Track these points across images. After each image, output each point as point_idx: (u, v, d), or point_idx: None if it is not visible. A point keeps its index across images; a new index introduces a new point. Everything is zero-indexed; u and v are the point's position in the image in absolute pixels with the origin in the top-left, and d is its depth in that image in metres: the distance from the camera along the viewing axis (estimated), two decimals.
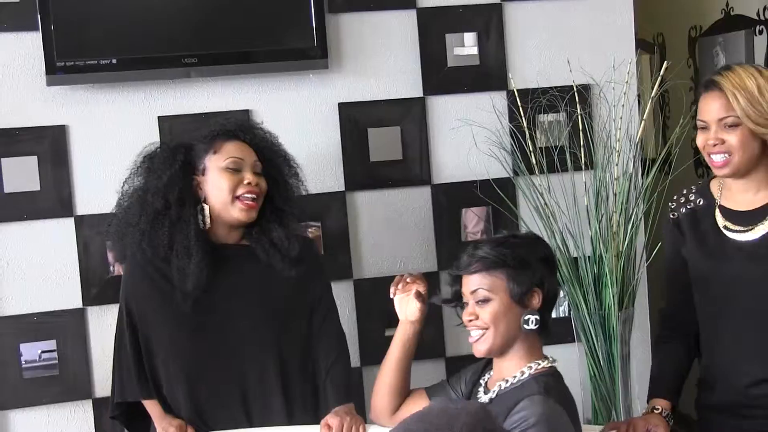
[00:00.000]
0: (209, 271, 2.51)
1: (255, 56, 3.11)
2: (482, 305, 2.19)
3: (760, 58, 4.11)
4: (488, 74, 3.31)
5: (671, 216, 2.54)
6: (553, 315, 3.30)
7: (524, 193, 3.24)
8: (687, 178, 4.19)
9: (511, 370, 2.21)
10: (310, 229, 2.87)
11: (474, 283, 2.20)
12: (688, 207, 2.51)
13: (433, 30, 3.27)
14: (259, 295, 2.59)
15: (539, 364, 2.21)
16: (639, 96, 3.38)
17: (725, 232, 2.40)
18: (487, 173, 3.27)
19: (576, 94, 3.23)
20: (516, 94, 3.23)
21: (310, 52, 3.13)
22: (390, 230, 3.28)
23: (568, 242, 3.19)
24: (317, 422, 2.53)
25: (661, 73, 3.17)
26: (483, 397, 2.23)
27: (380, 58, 3.26)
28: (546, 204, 3.20)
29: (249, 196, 2.52)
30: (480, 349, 2.21)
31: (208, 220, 2.55)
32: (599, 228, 3.15)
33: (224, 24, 3.08)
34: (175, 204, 2.52)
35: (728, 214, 2.42)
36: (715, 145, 2.32)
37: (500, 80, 3.31)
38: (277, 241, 2.56)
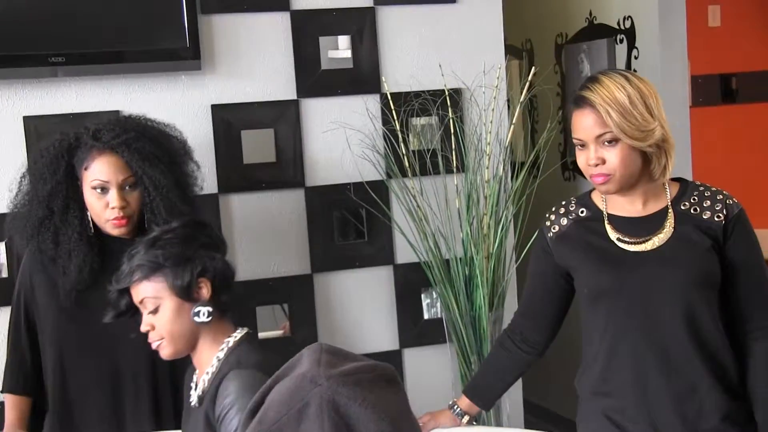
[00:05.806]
0: (91, 271, 2.52)
1: (126, 56, 3.04)
2: (153, 315, 2.20)
3: (621, 66, 4.26)
4: (362, 77, 3.33)
5: (550, 233, 2.38)
6: (426, 316, 3.41)
7: (397, 196, 3.27)
8: (554, 181, 4.31)
9: (208, 361, 2.23)
10: None
11: (139, 294, 2.20)
12: (570, 218, 2.37)
13: (307, 32, 3.27)
14: None
15: (228, 344, 2.23)
16: (508, 100, 3.46)
17: (618, 244, 2.28)
18: (360, 176, 3.29)
19: (447, 97, 3.28)
20: (389, 97, 3.26)
21: (182, 53, 3.08)
22: (264, 232, 3.27)
23: (440, 244, 3.24)
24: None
25: (530, 78, 3.25)
26: (193, 397, 2.25)
27: (254, 59, 3.24)
28: (418, 206, 3.24)
29: (116, 217, 2.50)
30: (166, 356, 2.24)
31: (92, 227, 2.54)
32: (470, 230, 3.21)
33: (94, 22, 3.00)
34: (59, 211, 2.51)
35: (619, 223, 2.29)
36: (596, 165, 2.20)
37: (373, 83, 3.34)
38: None
